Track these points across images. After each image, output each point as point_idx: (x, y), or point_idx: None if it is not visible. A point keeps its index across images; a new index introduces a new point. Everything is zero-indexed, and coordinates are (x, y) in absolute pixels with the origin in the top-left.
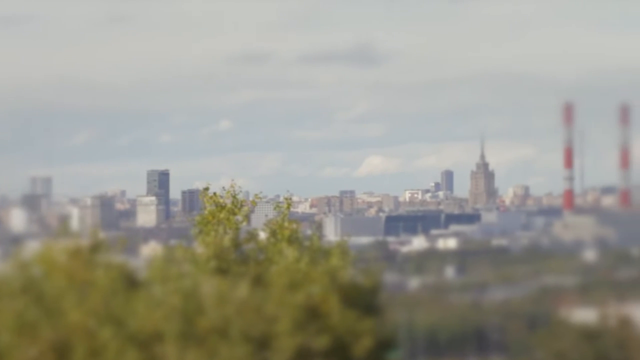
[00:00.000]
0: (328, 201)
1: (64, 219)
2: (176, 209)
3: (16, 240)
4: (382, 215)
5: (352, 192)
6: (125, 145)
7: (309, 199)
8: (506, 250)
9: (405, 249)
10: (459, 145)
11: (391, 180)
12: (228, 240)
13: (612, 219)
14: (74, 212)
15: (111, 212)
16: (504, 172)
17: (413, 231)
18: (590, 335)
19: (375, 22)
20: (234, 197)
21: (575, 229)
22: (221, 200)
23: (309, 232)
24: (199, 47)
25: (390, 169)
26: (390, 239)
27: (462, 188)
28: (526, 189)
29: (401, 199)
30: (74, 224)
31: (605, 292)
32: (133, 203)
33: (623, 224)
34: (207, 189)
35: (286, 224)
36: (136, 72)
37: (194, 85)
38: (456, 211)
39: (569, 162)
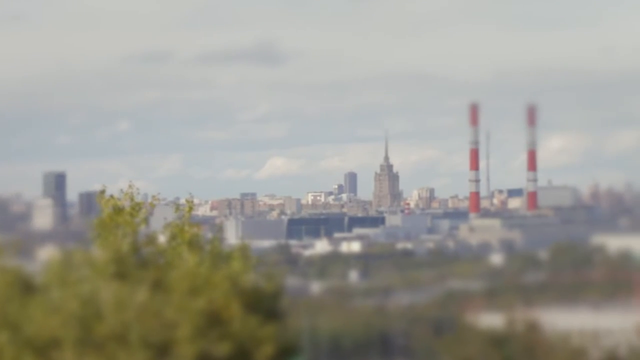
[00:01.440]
0: (229, 204)
1: None
2: (73, 211)
3: None
4: (285, 218)
5: (253, 195)
6: (20, 146)
7: (210, 202)
8: (411, 254)
9: (307, 252)
10: (362, 146)
11: (294, 182)
12: (127, 244)
13: (518, 222)
14: None
15: (6, 214)
16: (409, 174)
17: (316, 234)
18: (497, 340)
19: (277, 20)
20: (132, 199)
21: (482, 232)
22: (119, 203)
23: (209, 235)
24: (97, 46)
25: (292, 171)
26: (293, 242)
27: (366, 190)
28: (431, 191)
29: (304, 202)
30: None
31: (512, 297)
32: (29, 205)
33: (530, 227)
34: (103, 191)
35: (186, 227)
36: (32, 71)
37: (92, 85)
38: (360, 214)
39: (474, 163)
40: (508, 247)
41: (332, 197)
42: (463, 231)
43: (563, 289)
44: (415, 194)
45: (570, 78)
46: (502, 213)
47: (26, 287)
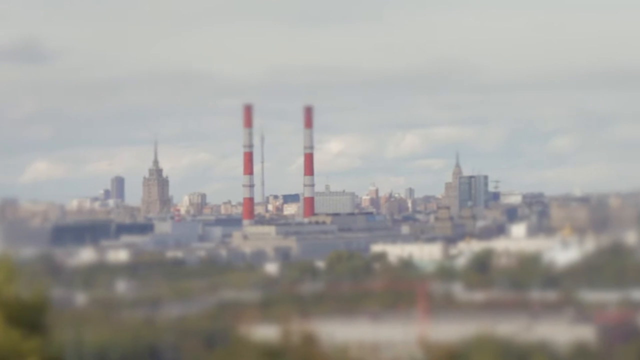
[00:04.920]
0: None
1: None
2: None
3: None
4: (48, 225)
5: (14, 200)
6: None
7: None
8: (181, 263)
9: (72, 261)
10: (131, 149)
11: (58, 187)
12: None
13: (295, 229)
14: None
15: None
16: (180, 179)
17: (81, 242)
18: (272, 353)
19: (41, 18)
20: None
21: (256, 240)
22: None
23: None
24: None
25: (57, 175)
26: (57, 250)
27: (134, 196)
28: (203, 196)
29: (69, 208)
30: None
31: (288, 307)
32: None
33: (307, 234)
34: None
35: None
36: None
37: None
38: (127, 221)
39: (249, 167)
40: (284, 255)
41: (99, 202)
42: (236, 239)
43: (341, 300)
44: (186, 200)
45: (350, 77)
46: (277, 220)
47: None
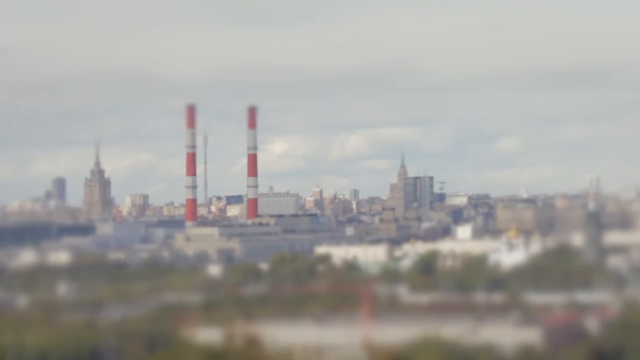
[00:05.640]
0: None
1: None
2: None
3: None
4: None
5: None
6: None
7: None
8: (124, 265)
9: (13, 263)
10: (72, 150)
11: None
12: None
13: (238, 230)
14: None
15: None
16: (122, 180)
17: (22, 244)
18: (215, 355)
19: None
20: None
21: (199, 241)
22: None
23: None
24: None
25: None
26: None
27: (75, 197)
28: (145, 198)
29: (9, 209)
30: None
31: (231, 310)
32: None
33: (250, 236)
34: None
35: None
36: None
37: None
38: (69, 222)
39: (192, 168)
40: (227, 257)
41: (40, 203)
42: (179, 240)
43: (285, 302)
44: (128, 201)
45: (294, 77)
46: (220, 221)
47: None
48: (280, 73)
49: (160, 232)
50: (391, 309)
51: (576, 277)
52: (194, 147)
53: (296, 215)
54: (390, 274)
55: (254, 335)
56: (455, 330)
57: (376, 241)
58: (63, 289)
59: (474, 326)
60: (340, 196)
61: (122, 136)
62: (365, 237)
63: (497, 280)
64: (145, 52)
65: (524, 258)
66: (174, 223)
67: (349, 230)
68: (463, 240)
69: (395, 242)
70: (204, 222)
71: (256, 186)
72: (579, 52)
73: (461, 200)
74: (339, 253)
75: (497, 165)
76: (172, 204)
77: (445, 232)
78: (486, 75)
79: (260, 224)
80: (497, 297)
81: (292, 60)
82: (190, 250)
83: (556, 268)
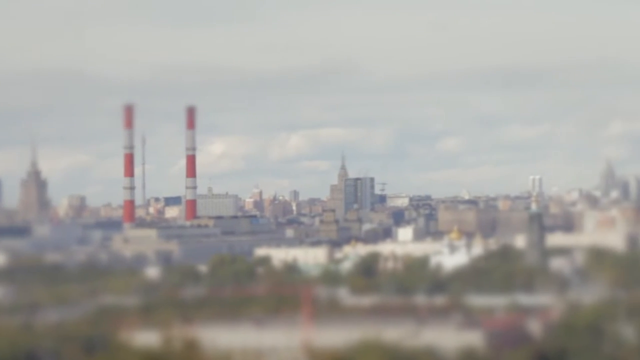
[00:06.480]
0: None
1: None
2: None
3: None
4: None
5: None
6: None
7: None
8: (60, 267)
9: None
10: (8, 150)
11: None
12: None
13: (176, 232)
14: None
15: None
16: (58, 181)
17: None
18: (153, 359)
19: None
20: None
21: (137, 243)
22: None
23: None
24: None
25: None
26: None
27: (11, 198)
28: (82, 199)
29: None
30: None
31: (169, 313)
32: None
33: (189, 238)
34: None
35: None
36: None
37: None
38: (4, 223)
39: (129, 169)
40: (165, 259)
41: None
42: (117, 242)
43: (224, 305)
44: (65, 202)
45: (234, 77)
46: (158, 223)
47: None
48: (220, 73)
49: (97, 234)
50: (332, 311)
51: (519, 280)
52: (131, 147)
53: (235, 217)
54: (331, 276)
55: (193, 338)
56: (396, 333)
57: (316, 243)
58: None
59: (415, 329)
60: (280, 197)
61: (59, 136)
62: (305, 238)
63: (439, 282)
64: (82, 51)
65: (466, 260)
66: (111, 225)
67: (289, 232)
68: (404, 242)
69: (335, 244)
70: (142, 224)
71: (195, 187)
72: (521, 52)
73: (402, 202)
74: (279, 255)
75: (439, 166)
76: (109, 205)
77: (386, 233)
78: (428, 75)
79: (199, 226)
80: (439, 300)
81: (232, 60)
82: (128, 252)
83: (498, 270)
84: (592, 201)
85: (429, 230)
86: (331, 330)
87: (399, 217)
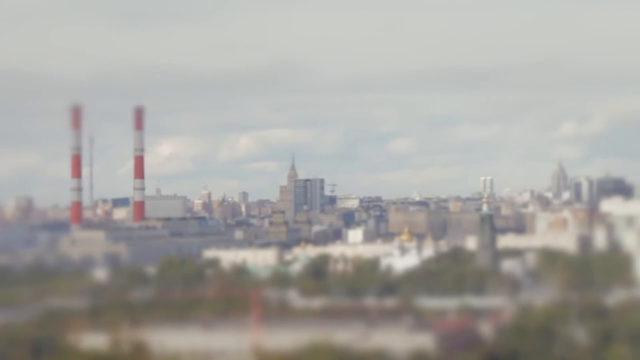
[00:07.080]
0: None
1: None
2: None
3: None
4: None
5: None
6: None
7: None
8: (7, 269)
9: None
10: None
11: None
12: None
13: (124, 234)
14: None
15: None
16: (5, 182)
17: None
18: None
19: None
20: None
21: (84, 245)
22: None
23: None
24: None
25: None
26: None
27: None
28: (30, 200)
29: None
30: None
31: (117, 315)
32: None
33: (137, 239)
34: None
35: None
36: None
37: None
38: None
39: (77, 171)
40: (113, 261)
41: None
42: (64, 244)
43: (172, 307)
44: (12, 204)
45: (182, 78)
46: (106, 224)
47: None
48: (168, 73)
49: (45, 236)
50: (281, 313)
51: (470, 281)
52: (79, 148)
53: (184, 219)
54: (280, 279)
55: (141, 341)
56: (346, 336)
57: (266, 245)
58: None
59: (365, 331)
60: (229, 199)
61: (5, 137)
62: (254, 240)
63: (389, 284)
64: (29, 51)
65: (417, 262)
66: (59, 226)
67: (238, 234)
68: (354, 244)
69: (285, 246)
70: (89, 225)
71: (143, 189)
72: (471, 52)
73: (352, 203)
74: (228, 257)
75: (390, 167)
76: (57, 206)
77: (336, 235)
78: (378, 75)
79: (147, 227)
80: (389, 302)
81: (180, 60)
82: (75, 254)
83: (449, 272)
84: (544, 202)
85: (380, 232)
86: (281, 333)
87: (349, 219)
